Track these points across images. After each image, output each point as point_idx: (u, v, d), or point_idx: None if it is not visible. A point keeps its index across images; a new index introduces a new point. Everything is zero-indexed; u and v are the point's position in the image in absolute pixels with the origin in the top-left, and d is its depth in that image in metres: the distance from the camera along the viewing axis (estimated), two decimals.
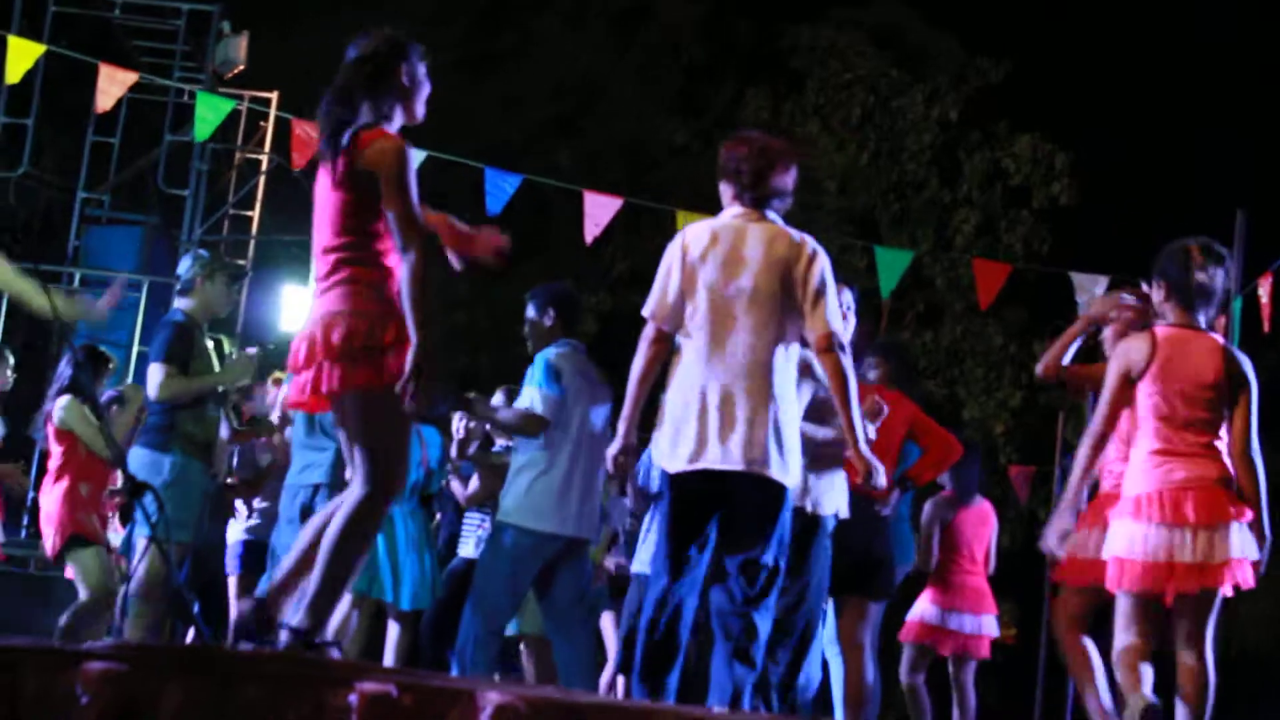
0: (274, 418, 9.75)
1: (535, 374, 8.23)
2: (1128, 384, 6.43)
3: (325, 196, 5.80)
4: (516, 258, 21.34)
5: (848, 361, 6.34)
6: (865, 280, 19.26)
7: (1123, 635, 6.36)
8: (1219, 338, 6.56)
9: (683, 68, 24.07)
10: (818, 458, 7.27)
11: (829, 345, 6.31)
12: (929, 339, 22.55)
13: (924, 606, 10.38)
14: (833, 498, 7.40)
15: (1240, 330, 12.06)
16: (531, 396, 8.18)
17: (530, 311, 8.52)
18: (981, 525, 10.69)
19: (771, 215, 6.53)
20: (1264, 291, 11.99)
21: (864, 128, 22.76)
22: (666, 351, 6.54)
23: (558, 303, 8.50)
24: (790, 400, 6.37)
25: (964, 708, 10.51)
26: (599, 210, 13.09)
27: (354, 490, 5.71)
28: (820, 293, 6.34)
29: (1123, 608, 6.39)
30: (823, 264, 6.40)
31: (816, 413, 7.26)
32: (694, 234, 6.55)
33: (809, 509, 7.29)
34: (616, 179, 19.59)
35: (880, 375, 8.62)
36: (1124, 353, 6.51)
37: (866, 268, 19.46)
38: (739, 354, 6.33)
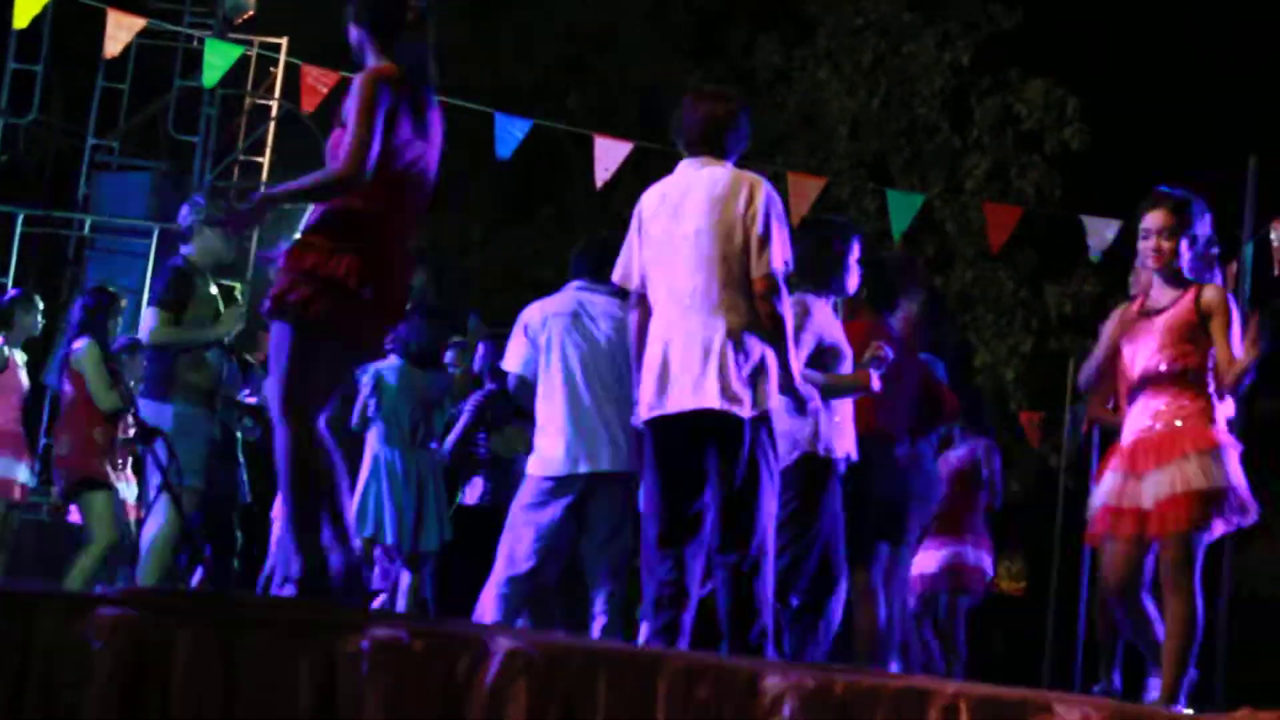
0: None
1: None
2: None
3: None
4: (528, 202, 21.29)
5: (783, 307, 6.44)
6: (876, 223, 19.24)
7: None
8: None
9: (695, 10, 23.91)
10: (825, 403, 7.29)
11: (764, 290, 6.43)
12: (939, 284, 22.50)
13: (922, 556, 10.40)
14: (842, 442, 7.41)
15: (1252, 275, 12.04)
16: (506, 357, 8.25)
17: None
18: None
19: (720, 161, 6.67)
20: (1275, 235, 11.94)
21: (875, 73, 22.64)
22: (649, 311, 6.65)
23: (574, 253, 8.48)
24: (756, 337, 6.44)
25: (953, 651, 10.51)
26: (609, 155, 13.06)
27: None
28: (764, 235, 6.45)
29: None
30: (764, 203, 6.48)
31: (820, 359, 7.28)
32: (648, 195, 6.76)
33: (820, 453, 7.30)
34: (627, 124, 19.51)
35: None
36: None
37: (878, 211, 19.43)
38: (690, 297, 6.48)
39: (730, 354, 6.40)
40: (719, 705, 4.31)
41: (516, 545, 7.88)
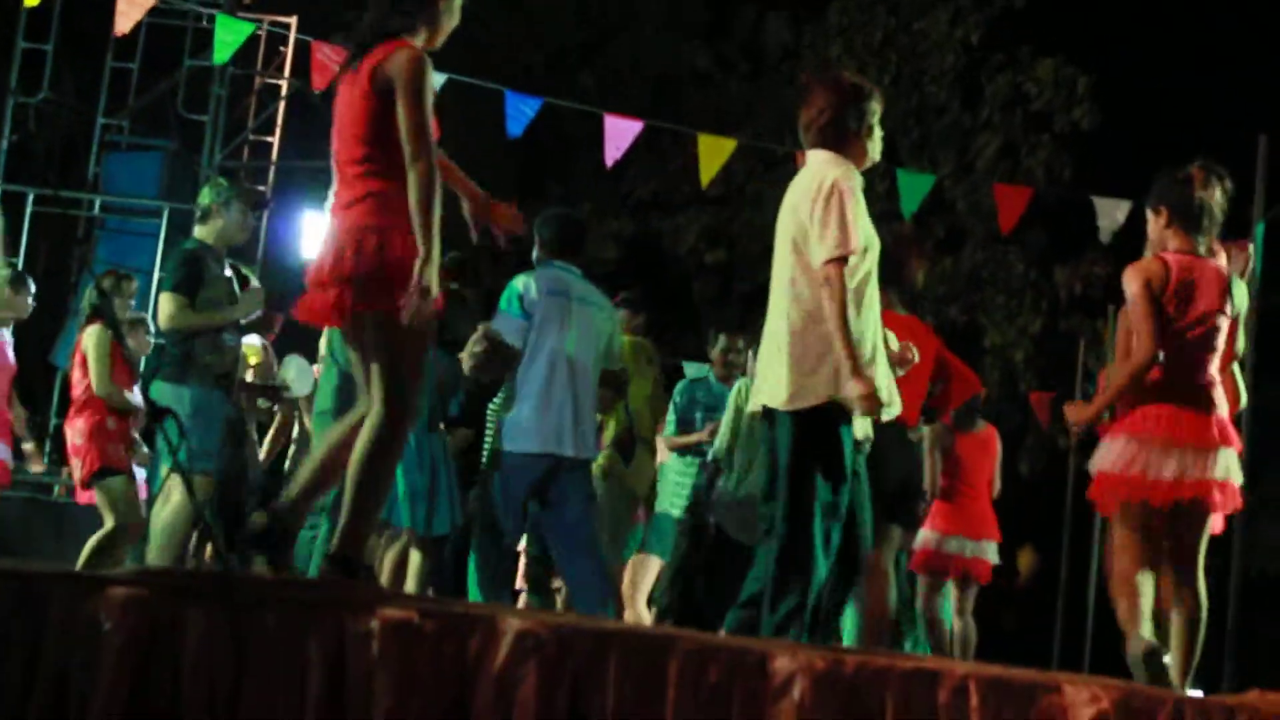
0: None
1: (502, 300, 8.31)
2: (1154, 299, 6.37)
3: (348, 106, 5.81)
4: (538, 181, 21.28)
5: (837, 292, 6.33)
6: (886, 203, 19.22)
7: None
8: (1220, 264, 6.53)
9: None
10: None
11: (821, 279, 6.38)
12: (949, 265, 22.49)
13: (926, 534, 10.40)
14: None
15: (1263, 255, 12.02)
16: (497, 323, 8.28)
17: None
18: (983, 451, 10.71)
19: (812, 154, 6.66)
20: None
21: (885, 51, 22.63)
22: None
23: (544, 227, 8.54)
24: (819, 330, 6.40)
25: (964, 636, 10.52)
26: (619, 134, 13.04)
27: (373, 413, 5.73)
28: (823, 224, 6.39)
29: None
30: (822, 196, 6.42)
31: None
32: None
33: None
34: (638, 104, 19.50)
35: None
36: (1142, 271, 6.44)
37: (887, 191, 19.40)
38: (778, 285, 6.54)
39: (786, 346, 6.45)
40: (729, 686, 4.31)
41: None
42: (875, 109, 6.69)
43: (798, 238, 6.46)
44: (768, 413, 6.56)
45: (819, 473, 6.44)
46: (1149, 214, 6.58)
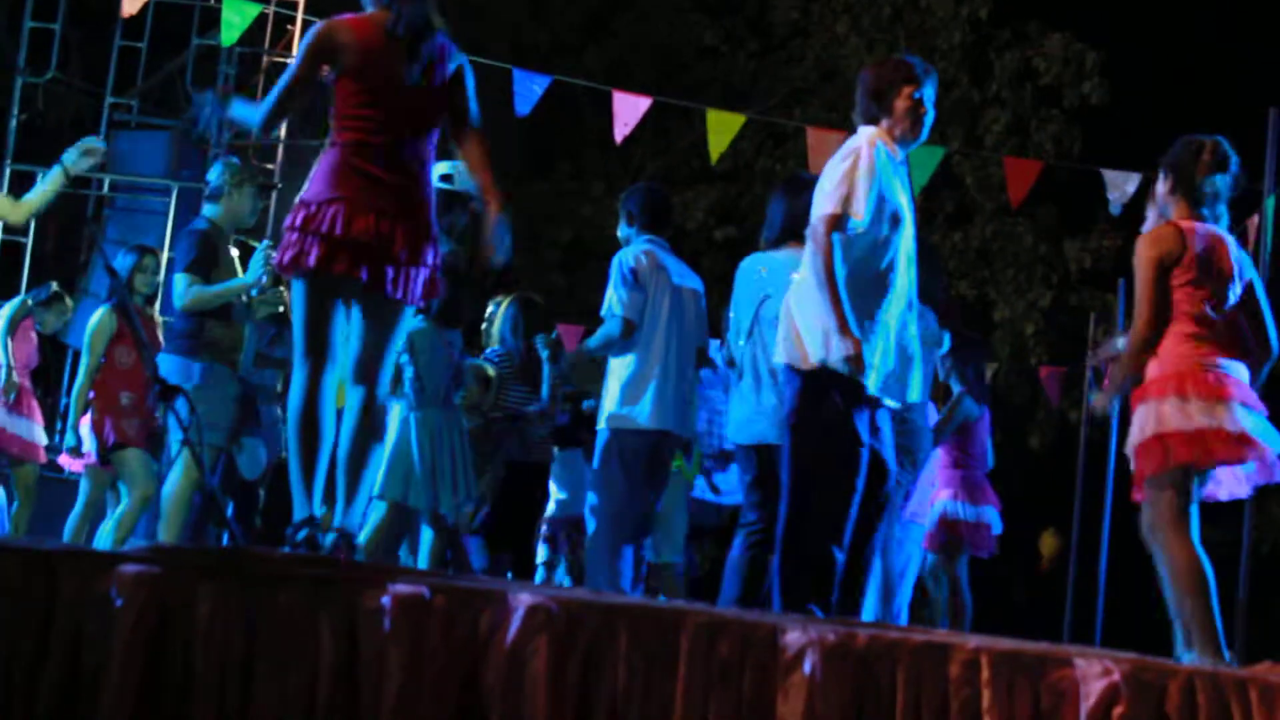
0: None
1: (612, 276, 8.32)
2: (1165, 272, 6.35)
3: (424, 97, 5.98)
4: (547, 159, 21.29)
5: (823, 248, 6.46)
6: None
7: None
8: (1224, 232, 6.51)
9: None
10: None
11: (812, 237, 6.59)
12: (959, 239, 22.47)
13: (943, 505, 10.41)
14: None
15: (1273, 228, 11.99)
16: (608, 300, 8.27)
17: (621, 225, 8.70)
18: (978, 422, 10.72)
19: (860, 130, 6.79)
20: None
21: (894, 26, 22.57)
22: None
23: (634, 203, 8.64)
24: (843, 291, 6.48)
25: (957, 606, 10.48)
26: (628, 110, 13.03)
27: (368, 393, 5.83)
28: (827, 181, 6.57)
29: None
30: (837, 159, 6.62)
31: None
32: None
33: None
34: (646, 80, 19.47)
35: None
36: (1155, 240, 6.42)
37: None
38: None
39: (789, 309, 6.62)
40: (740, 660, 4.32)
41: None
42: (921, 88, 6.72)
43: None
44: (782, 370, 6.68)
45: (819, 435, 6.47)
46: (1160, 174, 6.57)
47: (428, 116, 6.01)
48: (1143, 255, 6.38)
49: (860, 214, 6.42)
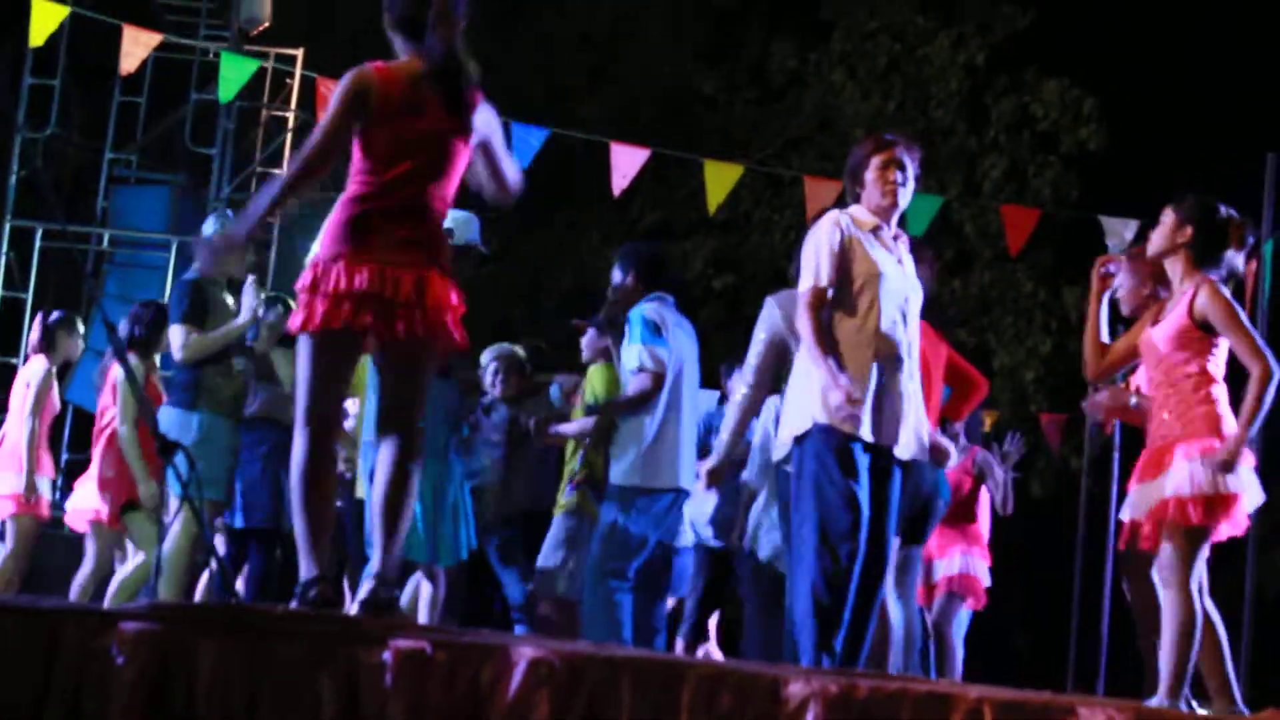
0: None
1: (634, 331, 8.29)
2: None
3: (451, 146, 5.93)
4: (545, 210, 21.24)
5: (805, 320, 6.71)
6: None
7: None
8: None
9: (713, 9, 23.84)
10: None
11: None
12: (957, 286, 22.48)
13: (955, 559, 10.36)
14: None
15: (1271, 273, 12.02)
16: (638, 354, 8.22)
17: (615, 275, 8.66)
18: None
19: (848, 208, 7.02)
20: None
21: (890, 76, 22.64)
22: None
23: (636, 262, 8.61)
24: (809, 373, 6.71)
25: (946, 656, 10.38)
26: (626, 161, 13.04)
27: (408, 445, 5.81)
28: (801, 261, 6.89)
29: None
30: (806, 241, 6.88)
31: None
32: None
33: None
34: (644, 130, 19.50)
35: None
36: (1216, 287, 6.39)
37: None
38: None
39: (793, 379, 6.92)
40: (742, 712, 4.31)
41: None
42: (890, 154, 6.84)
43: None
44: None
45: (817, 498, 6.53)
46: (1172, 216, 6.51)
47: (451, 167, 5.93)
48: (1219, 303, 6.33)
49: (825, 283, 6.70)
